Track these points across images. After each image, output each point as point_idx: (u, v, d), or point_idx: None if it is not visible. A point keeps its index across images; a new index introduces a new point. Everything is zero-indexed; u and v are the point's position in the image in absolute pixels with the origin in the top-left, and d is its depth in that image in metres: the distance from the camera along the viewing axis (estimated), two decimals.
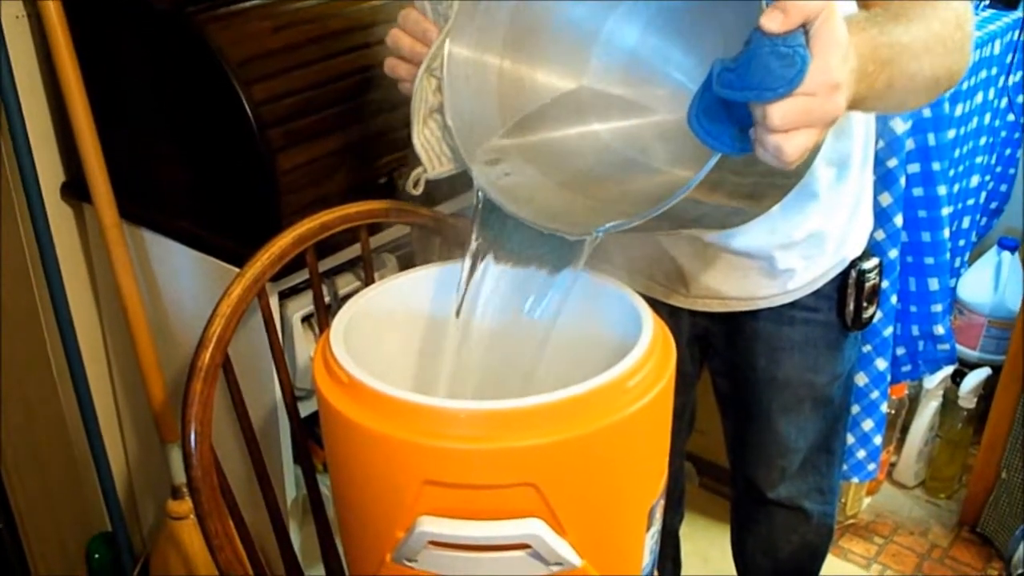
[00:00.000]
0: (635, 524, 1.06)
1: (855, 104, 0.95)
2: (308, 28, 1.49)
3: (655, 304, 1.36)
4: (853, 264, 1.46)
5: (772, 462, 1.62)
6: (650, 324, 1.05)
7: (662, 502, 1.10)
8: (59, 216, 1.74)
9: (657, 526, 1.10)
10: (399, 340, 1.21)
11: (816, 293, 1.46)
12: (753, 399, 1.56)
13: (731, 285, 1.43)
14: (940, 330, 2.15)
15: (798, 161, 0.86)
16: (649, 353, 1.01)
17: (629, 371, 0.98)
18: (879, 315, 2.02)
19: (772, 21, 0.83)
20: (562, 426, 0.94)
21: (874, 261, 1.48)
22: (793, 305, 1.46)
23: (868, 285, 1.47)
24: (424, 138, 1.16)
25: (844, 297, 1.48)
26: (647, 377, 1.00)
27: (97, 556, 1.98)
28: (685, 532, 1.91)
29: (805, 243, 1.38)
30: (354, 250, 1.47)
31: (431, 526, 0.97)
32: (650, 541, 1.10)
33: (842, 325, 1.50)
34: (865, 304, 1.48)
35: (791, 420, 1.56)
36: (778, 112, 0.83)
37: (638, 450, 1.03)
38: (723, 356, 1.57)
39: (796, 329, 1.48)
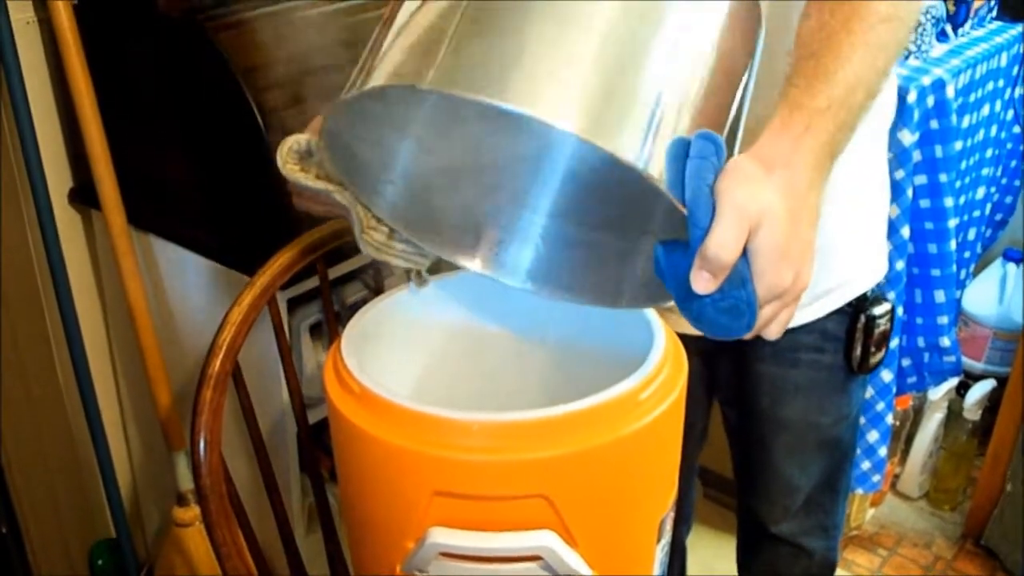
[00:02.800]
0: (645, 536, 1.06)
1: (837, 158, 0.94)
2: (317, 35, 1.49)
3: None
4: (862, 307, 1.41)
5: (775, 499, 1.59)
6: (662, 336, 1.05)
7: (672, 514, 1.10)
8: (67, 222, 1.74)
9: (667, 538, 1.10)
10: (410, 350, 1.21)
11: (822, 333, 1.41)
12: (756, 436, 1.54)
13: None
14: (946, 342, 2.15)
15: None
16: (661, 365, 1.01)
17: (641, 384, 0.98)
18: None
19: (701, 285, 0.82)
20: (574, 438, 0.94)
21: (885, 307, 1.42)
22: (797, 347, 1.42)
23: (877, 331, 1.42)
24: (396, 257, 1.12)
25: (852, 340, 1.42)
26: (659, 389, 0.99)
27: (100, 562, 1.97)
28: (690, 541, 1.91)
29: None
30: (364, 257, 1.47)
31: (442, 537, 0.96)
32: (660, 553, 1.09)
33: (847, 368, 1.45)
34: (873, 349, 1.43)
35: (794, 460, 1.53)
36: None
37: (649, 462, 1.03)
38: (728, 390, 1.56)
39: (800, 371, 1.44)
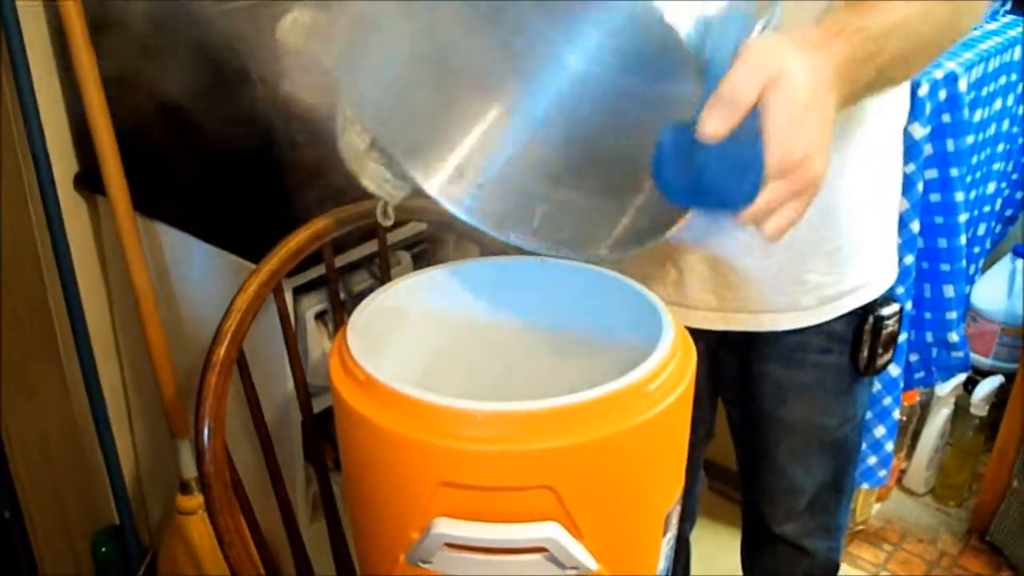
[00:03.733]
0: (652, 529, 1.05)
1: (857, 98, 0.92)
2: None
3: None
4: (871, 308, 1.39)
5: (778, 500, 1.57)
6: (671, 327, 1.04)
7: (679, 508, 1.09)
8: (72, 207, 1.73)
9: (673, 532, 1.09)
10: (415, 339, 1.20)
11: (829, 334, 1.39)
12: (760, 437, 1.52)
13: (744, 294, 1.36)
14: (954, 337, 2.14)
15: (783, 236, 0.84)
16: (670, 356, 1.00)
17: (650, 374, 0.97)
18: None
19: (711, 124, 0.78)
20: (581, 429, 0.93)
21: (894, 307, 1.40)
22: (804, 348, 1.40)
23: (885, 332, 1.40)
24: (369, 173, 1.11)
25: (859, 342, 1.40)
26: (668, 381, 0.99)
27: (104, 549, 1.97)
28: (695, 535, 1.90)
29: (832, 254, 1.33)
30: (370, 246, 1.46)
31: (447, 528, 0.96)
32: (666, 547, 1.09)
33: (854, 370, 1.43)
34: (880, 351, 1.41)
35: (798, 462, 1.51)
36: (748, 209, 0.80)
37: (657, 455, 1.02)
38: (733, 390, 1.55)
39: (806, 372, 1.42)
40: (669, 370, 0.99)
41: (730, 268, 1.33)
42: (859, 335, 1.40)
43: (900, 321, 1.43)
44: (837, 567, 1.68)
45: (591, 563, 0.97)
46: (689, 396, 1.02)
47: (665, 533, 1.07)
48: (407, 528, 0.99)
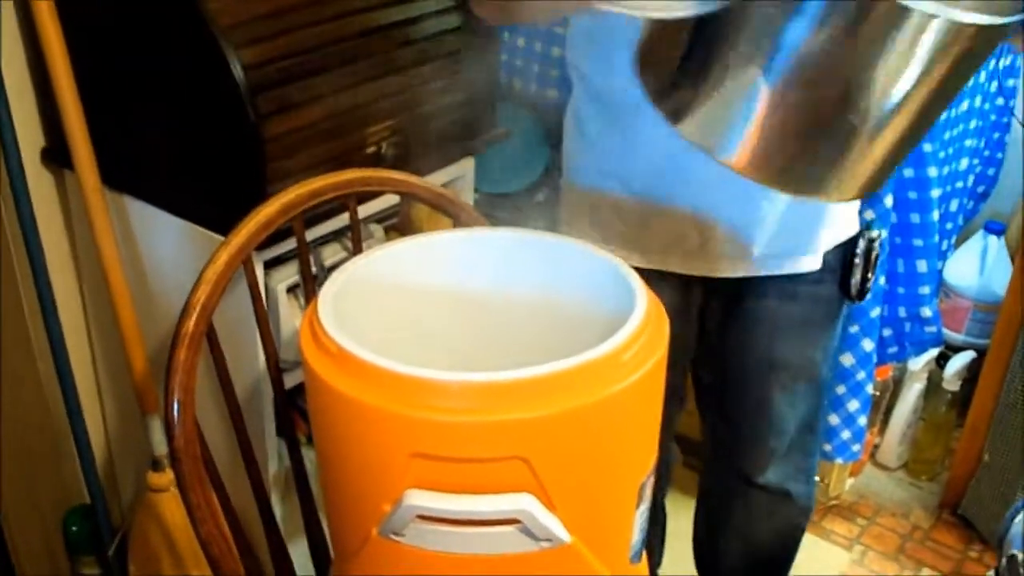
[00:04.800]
0: (625, 501, 1.05)
1: None
2: None
3: (665, 278, 1.34)
4: (860, 233, 1.47)
5: (763, 445, 1.61)
6: (644, 297, 1.04)
7: (652, 479, 1.09)
8: (39, 182, 1.71)
9: (647, 503, 1.09)
10: (387, 311, 1.19)
11: (823, 265, 1.46)
12: (747, 383, 1.55)
13: (776, 237, 1.42)
14: (927, 312, 2.14)
15: None
16: (643, 326, 0.99)
17: (623, 345, 0.96)
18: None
19: None
20: (555, 399, 0.92)
21: (878, 231, 1.49)
22: (797, 280, 1.46)
23: (874, 255, 1.48)
24: None
25: (850, 267, 1.47)
26: (641, 351, 0.98)
27: (75, 528, 1.95)
28: (669, 510, 1.90)
29: None
30: (341, 220, 1.45)
31: (419, 499, 0.95)
32: (640, 519, 1.08)
33: (842, 297, 1.50)
34: (869, 275, 1.48)
35: (786, 399, 1.56)
36: None
37: (630, 425, 1.01)
38: (715, 342, 1.56)
39: (798, 305, 1.48)
40: (643, 340, 0.99)
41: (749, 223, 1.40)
42: (849, 260, 1.48)
43: (880, 245, 1.50)
44: (811, 513, 1.71)
45: (564, 535, 0.97)
46: (662, 365, 1.02)
47: (639, 504, 1.07)
48: (379, 501, 0.98)
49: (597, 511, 1.02)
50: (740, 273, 1.45)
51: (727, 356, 1.56)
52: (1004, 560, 1.23)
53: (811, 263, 1.45)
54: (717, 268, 1.44)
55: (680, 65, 1.03)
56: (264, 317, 1.30)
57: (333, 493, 1.10)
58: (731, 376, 1.57)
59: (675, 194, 1.39)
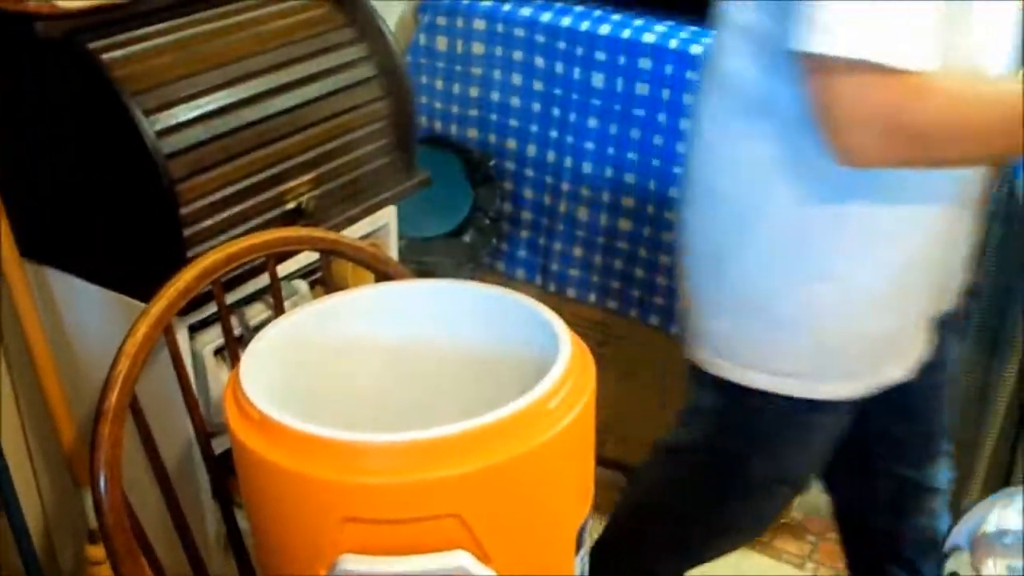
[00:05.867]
0: (563, 548, 1.04)
1: None
2: (208, 53, 1.46)
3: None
4: None
5: (939, 449, 1.63)
6: (567, 341, 1.03)
7: (591, 522, 1.08)
8: None
9: (587, 547, 1.08)
10: (315, 370, 1.18)
11: None
12: (932, 396, 1.56)
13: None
14: None
15: None
16: (569, 372, 0.99)
17: (549, 392, 0.96)
18: None
19: None
20: (484, 453, 0.92)
21: None
22: None
23: None
24: None
25: None
26: (568, 396, 0.98)
27: None
28: None
29: None
30: (264, 279, 1.44)
31: (353, 564, 0.94)
32: (580, 564, 1.08)
33: None
34: None
35: (946, 396, 1.59)
36: None
37: (563, 472, 1.01)
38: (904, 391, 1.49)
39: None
40: (569, 384, 0.99)
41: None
42: None
43: None
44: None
45: None
46: (591, 409, 1.02)
47: (579, 549, 1.06)
48: (314, 566, 0.97)
49: (535, 561, 1.01)
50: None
51: (925, 379, 1.49)
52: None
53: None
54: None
55: None
56: (188, 385, 1.28)
57: (268, 559, 1.08)
58: (919, 399, 1.55)
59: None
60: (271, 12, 1.56)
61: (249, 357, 1.05)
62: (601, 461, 1.12)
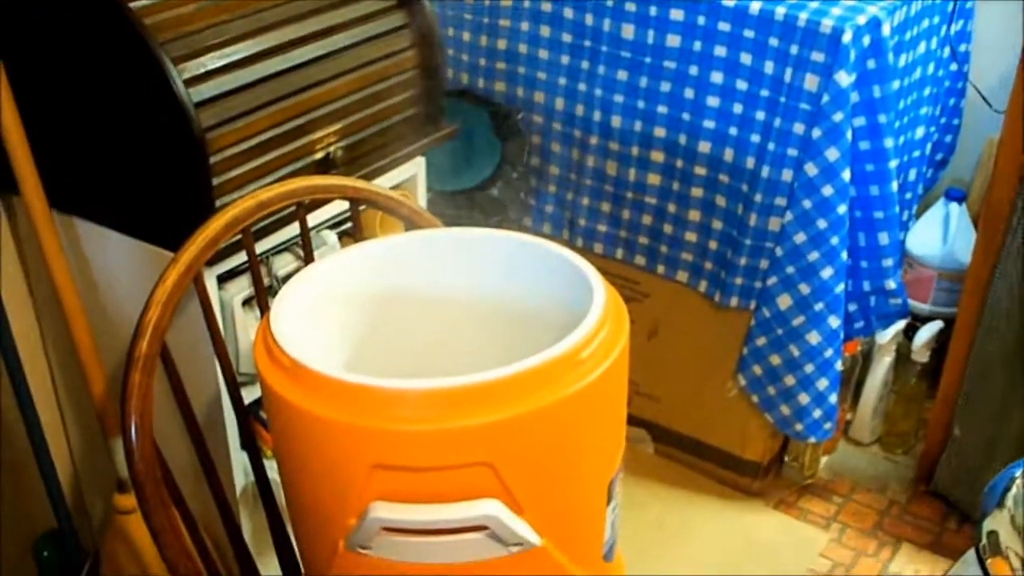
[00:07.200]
0: (595, 500, 1.03)
1: None
2: (236, 2, 1.44)
3: None
4: None
5: None
6: (601, 291, 1.02)
7: (621, 475, 1.08)
8: None
9: (617, 500, 1.08)
10: (343, 319, 1.17)
11: None
12: None
13: None
14: (891, 284, 2.14)
15: None
16: (602, 322, 0.98)
17: (582, 342, 0.95)
18: (830, 271, 2.00)
19: None
20: (515, 402, 0.91)
21: None
22: None
23: None
24: None
25: None
26: (601, 347, 0.97)
27: (46, 554, 1.93)
28: (642, 498, 1.89)
29: None
30: (293, 228, 1.43)
31: (383, 512, 0.94)
32: (611, 516, 1.07)
33: None
34: None
35: None
36: None
37: (594, 423, 1.00)
38: None
39: None
40: (602, 335, 0.98)
41: None
42: None
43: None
44: None
45: (534, 538, 0.96)
46: (624, 360, 1.01)
47: (609, 501, 1.06)
48: (343, 514, 0.97)
49: (566, 512, 1.01)
50: None
51: None
52: (984, 537, 1.23)
53: None
54: None
55: None
56: (218, 334, 1.27)
57: (298, 508, 1.08)
58: None
59: None
60: None
61: (280, 303, 1.05)
62: (627, 418, 1.11)
